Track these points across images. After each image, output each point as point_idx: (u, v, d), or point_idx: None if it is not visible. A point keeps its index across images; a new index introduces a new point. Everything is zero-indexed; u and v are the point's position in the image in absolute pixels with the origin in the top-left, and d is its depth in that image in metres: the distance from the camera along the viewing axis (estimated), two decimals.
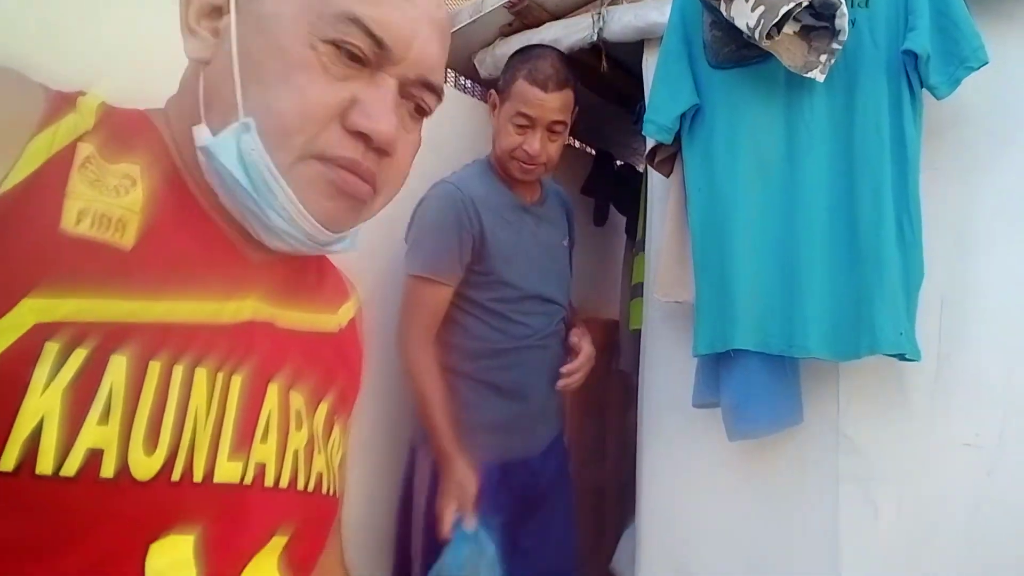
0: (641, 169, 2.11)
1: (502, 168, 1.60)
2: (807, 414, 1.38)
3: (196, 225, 0.54)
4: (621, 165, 2.61)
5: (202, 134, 0.52)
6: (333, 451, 0.64)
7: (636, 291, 1.90)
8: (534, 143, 1.52)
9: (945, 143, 1.30)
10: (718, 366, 1.40)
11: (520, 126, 1.52)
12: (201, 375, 0.50)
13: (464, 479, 1.44)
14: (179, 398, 0.48)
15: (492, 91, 1.62)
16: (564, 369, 1.62)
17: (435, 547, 1.42)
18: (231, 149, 0.51)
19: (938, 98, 1.25)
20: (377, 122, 0.53)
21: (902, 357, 1.24)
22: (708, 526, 1.52)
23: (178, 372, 0.48)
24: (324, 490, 0.61)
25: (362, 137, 0.53)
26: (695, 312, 1.42)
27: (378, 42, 0.52)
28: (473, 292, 1.54)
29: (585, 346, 1.65)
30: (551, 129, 1.53)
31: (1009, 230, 1.27)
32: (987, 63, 1.20)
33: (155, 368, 0.47)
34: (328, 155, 0.53)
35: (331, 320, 0.68)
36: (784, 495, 1.43)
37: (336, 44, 0.52)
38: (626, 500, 1.75)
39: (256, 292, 0.56)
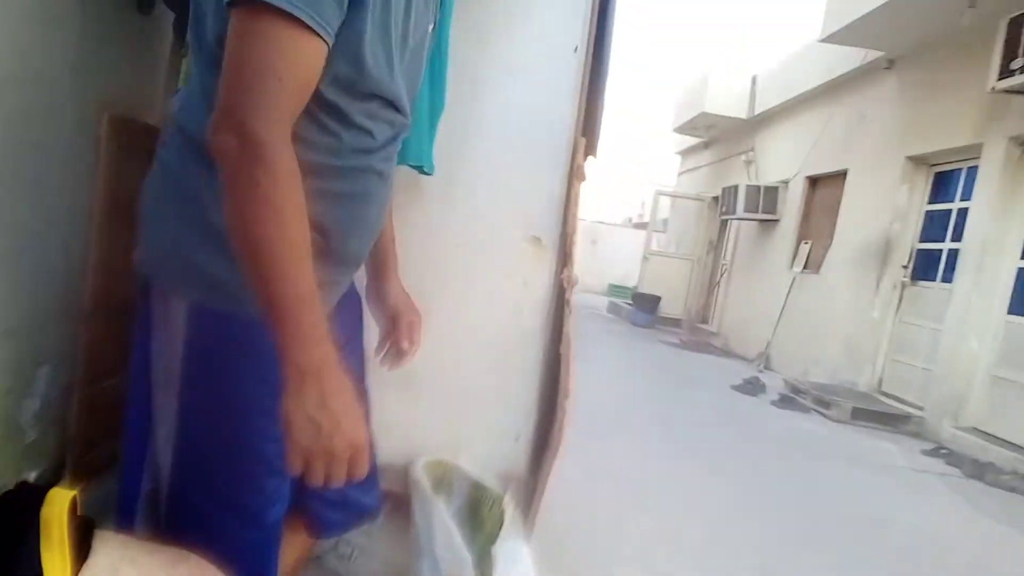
0: None
1: None
2: None
3: None
4: None
5: None
6: None
7: None
8: None
9: (470, 10, 1.63)
10: None
11: None
12: None
13: (355, 422, 0.85)
14: None
15: None
16: (405, 346, 1.35)
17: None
18: None
19: None
20: None
21: (421, 170, 1.54)
22: None
23: None
24: None
25: None
26: None
27: None
28: None
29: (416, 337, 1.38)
30: None
31: (508, 86, 1.67)
32: None
33: None
34: None
35: None
36: None
37: None
38: None
39: None
